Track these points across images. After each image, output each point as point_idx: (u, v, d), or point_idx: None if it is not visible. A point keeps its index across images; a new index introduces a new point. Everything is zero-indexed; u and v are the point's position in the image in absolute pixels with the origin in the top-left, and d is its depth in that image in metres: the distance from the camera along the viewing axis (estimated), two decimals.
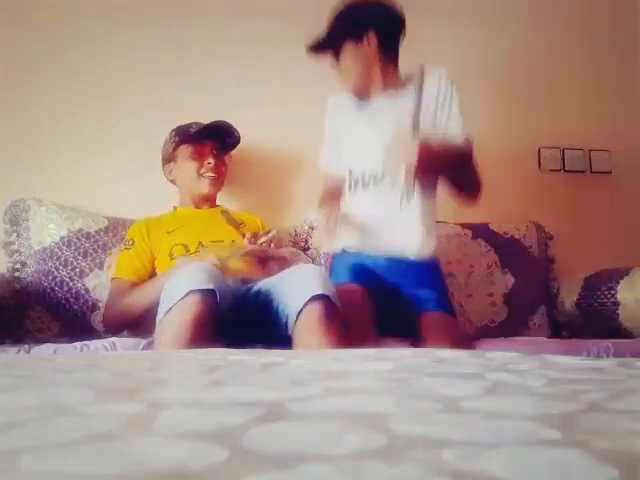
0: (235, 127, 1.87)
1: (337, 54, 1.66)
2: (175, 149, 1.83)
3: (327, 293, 1.27)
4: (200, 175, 1.80)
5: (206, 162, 1.81)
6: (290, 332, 1.29)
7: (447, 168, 1.56)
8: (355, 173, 1.65)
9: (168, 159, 1.87)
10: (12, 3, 2.04)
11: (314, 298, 1.25)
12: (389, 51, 1.67)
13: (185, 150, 1.82)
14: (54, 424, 0.30)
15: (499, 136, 2.37)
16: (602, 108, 2.48)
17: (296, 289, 1.30)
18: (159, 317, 1.28)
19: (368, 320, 1.53)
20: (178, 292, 1.24)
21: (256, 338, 1.31)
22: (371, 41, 1.63)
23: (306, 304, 1.25)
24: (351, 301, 1.46)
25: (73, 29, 2.08)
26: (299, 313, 1.26)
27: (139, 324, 1.56)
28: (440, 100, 1.62)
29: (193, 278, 1.25)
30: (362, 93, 1.68)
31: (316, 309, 1.24)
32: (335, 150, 1.72)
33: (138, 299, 1.56)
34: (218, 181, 1.85)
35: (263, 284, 1.47)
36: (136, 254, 1.68)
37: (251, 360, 0.59)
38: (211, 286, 1.24)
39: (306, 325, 1.25)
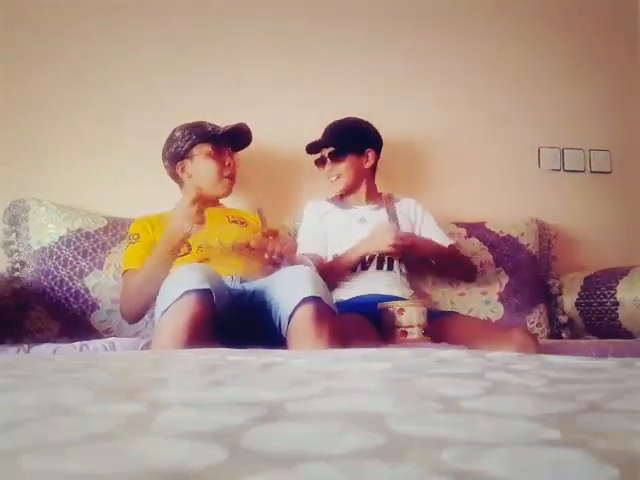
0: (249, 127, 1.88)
1: (332, 159, 1.93)
2: (191, 147, 1.81)
3: (318, 294, 1.27)
4: (223, 177, 1.81)
5: (226, 163, 1.81)
6: (284, 334, 1.29)
7: (428, 254, 1.92)
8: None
9: (181, 157, 1.82)
10: (12, 3, 2.04)
11: (305, 300, 1.25)
12: (375, 168, 2.00)
13: (203, 149, 1.80)
14: (54, 424, 0.30)
15: (499, 136, 2.38)
16: (602, 108, 2.49)
17: (288, 291, 1.31)
18: (156, 317, 1.28)
19: (369, 327, 1.57)
20: (174, 292, 1.24)
21: (253, 338, 1.31)
22: (370, 158, 1.95)
23: (298, 306, 1.25)
24: (350, 320, 1.54)
25: (73, 29, 2.08)
26: (291, 315, 1.26)
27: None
28: (418, 223, 1.96)
29: (189, 278, 1.25)
30: (347, 196, 1.98)
31: (308, 311, 1.25)
32: (316, 240, 1.91)
33: (149, 279, 1.49)
34: (233, 182, 1.86)
35: (258, 284, 1.47)
36: (142, 246, 1.65)
37: (251, 360, 0.59)
38: (207, 286, 1.24)
39: (299, 327, 1.25)
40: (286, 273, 1.38)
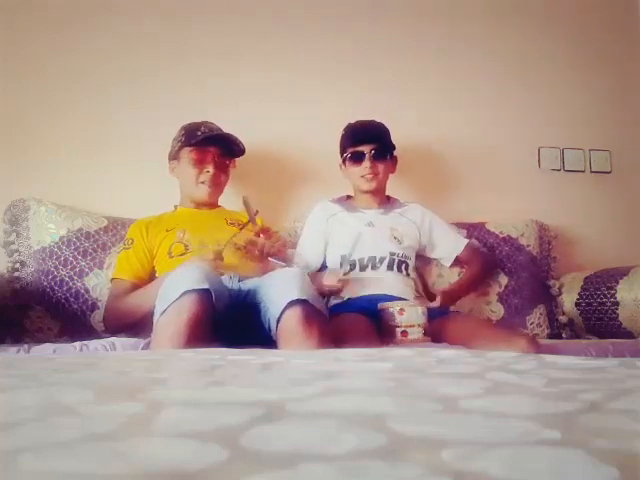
0: (239, 139, 1.84)
1: (375, 157, 1.88)
2: (180, 149, 1.81)
3: (306, 297, 1.27)
4: (199, 182, 1.79)
5: (205, 170, 1.78)
6: (273, 336, 1.30)
7: (471, 290, 2.02)
8: (351, 257, 1.85)
9: (173, 157, 1.85)
10: (12, 3, 2.04)
11: (292, 303, 1.25)
12: None
13: (188, 153, 1.79)
14: (54, 424, 0.30)
15: (499, 136, 2.38)
16: (602, 108, 2.48)
17: (276, 293, 1.31)
18: (155, 317, 1.29)
19: (369, 327, 1.57)
20: (173, 292, 1.24)
21: (249, 337, 1.31)
22: (395, 161, 1.98)
23: (285, 309, 1.26)
24: (351, 320, 1.55)
25: (73, 29, 2.08)
26: (279, 318, 1.27)
27: (138, 326, 1.58)
28: (426, 227, 1.97)
29: (188, 278, 1.25)
30: (355, 198, 1.99)
31: (295, 314, 1.25)
32: (317, 244, 1.91)
33: (138, 303, 1.57)
34: (216, 190, 1.83)
35: (253, 283, 1.47)
36: (135, 253, 1.68)
37: (251, 360, 0.59)
38: (206, 286, 1.24)
39: (286, 329, 1.26)
40: (276, 275, 1.39)
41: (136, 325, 1.58)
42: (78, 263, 1.79)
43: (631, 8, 2.57)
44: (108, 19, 2.10)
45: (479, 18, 2.40)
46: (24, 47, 2.03)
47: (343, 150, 1.95)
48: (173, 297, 1.23)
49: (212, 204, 1.85)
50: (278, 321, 1.27)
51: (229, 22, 2.20)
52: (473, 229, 2.16)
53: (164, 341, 1.21)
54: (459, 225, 2.14)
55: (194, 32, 2.17)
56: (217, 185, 1.82)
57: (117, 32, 2.11)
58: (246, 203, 1.65)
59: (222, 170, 1.83)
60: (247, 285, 1.49)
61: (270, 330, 1.32)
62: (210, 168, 1.78)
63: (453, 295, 1.89)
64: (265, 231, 1.60)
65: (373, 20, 2.31)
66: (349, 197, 2.02)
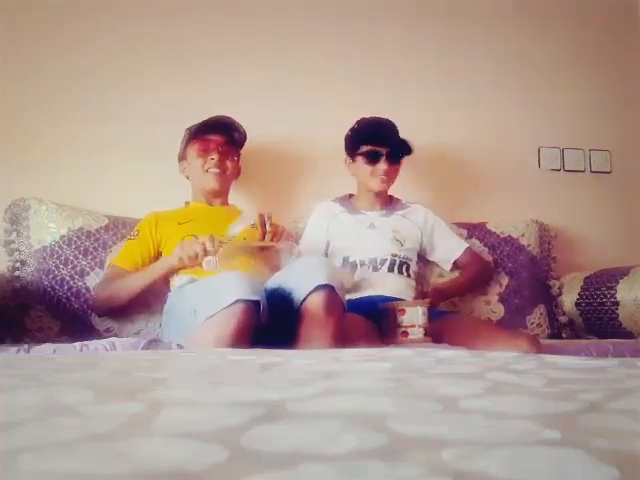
0: (239, 123, 1.87)
1: (391, 160, 1.85)
2: (186, 147, 1.86)
3: (333, 284, 1.32)
4: (205, 171, 1.82)
5: (210, 157, 1.81)
6: (297, 309, 1.33)
7: (459, 293, 2.00)
8: (352, 259, 1.85)
9: (181, 157, 1.90)
10: (12, 3, 2.03)
11: (319, 287, 1.30)
12: None
13: (193, 147, 1.83)
14: (54, 424, 0.30)
15: (499, 136, 2.38)
16: (602, 108, 2.48)
17: (303, 277, 1.35)
18: (200, 318, 1.28)
19: (370, 328, 1.58)
20: (225, 298, 1.24)
21: (280, 337, 1.32)
22: (402, 164, 1.92)
23: (311, 292, 1.30)
24: (352, 320, 1.55)
25: (73, 29, 2.08)
26: (304, 300, 1.31)
27: (124, 310, 1.71)
28: (428, 229, 1.97)
29: (242, 286, 1.26)
30: (356, 198, 1.98)
31: (319, 298, 1.30)
32: (318, 247, 1.91)
33: (126, 287, 1.64)
34: (223, 177, 1.84)
35: (272, 283, 1.47)
36: (138, 245, 1.71)
37: (251, 360, 0.59)
38: (258, 297, 1.26)
39: (309, 312, 1.30)
40: (301, 262, 1.44)
41: (119, 309, 1.70)
42: (79, 262, 1.79)
43: (631, 8, 2.57)
44: (108, 19, 2.10)
45: (479, 18, 2.40)
46: (24, 47, 2.03)
47: (354, 146, 1.88)
48: (224, 302, 1.24)
49: (222, 195, 1.87)
50: (302, 303, 1.31)
51: (229, 22, 2.20)
52: (474, 229, 2.16)
53: (207, 344, 1.21)
54: (460, 225, 2.14)
55: (194, 32, 2.17)
56: (224, 171, 1.83)
57: (117, 32, 2.10)
58: (261, 222, 1.67)
59: (227, 158, 1.85)
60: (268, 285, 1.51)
61: (294, 308, 1.35)
62: (214, 155, 1.81)
63: (443, 293, 1.89)
64: (276, 230, 1.66)
65: (373, 20, 2.31)
66: (351, 196, 2.00)
